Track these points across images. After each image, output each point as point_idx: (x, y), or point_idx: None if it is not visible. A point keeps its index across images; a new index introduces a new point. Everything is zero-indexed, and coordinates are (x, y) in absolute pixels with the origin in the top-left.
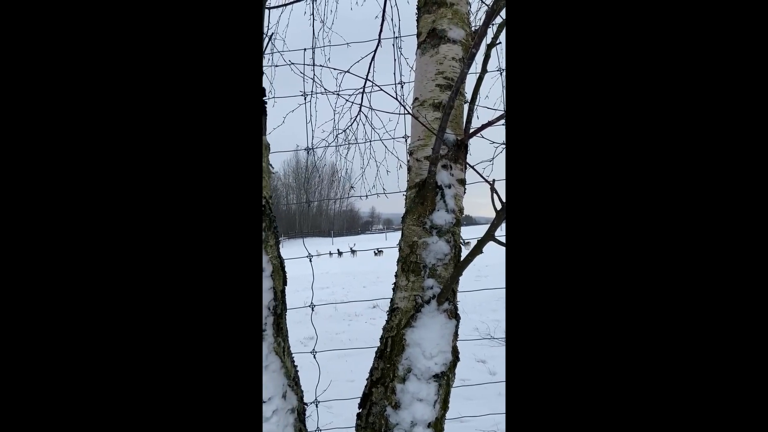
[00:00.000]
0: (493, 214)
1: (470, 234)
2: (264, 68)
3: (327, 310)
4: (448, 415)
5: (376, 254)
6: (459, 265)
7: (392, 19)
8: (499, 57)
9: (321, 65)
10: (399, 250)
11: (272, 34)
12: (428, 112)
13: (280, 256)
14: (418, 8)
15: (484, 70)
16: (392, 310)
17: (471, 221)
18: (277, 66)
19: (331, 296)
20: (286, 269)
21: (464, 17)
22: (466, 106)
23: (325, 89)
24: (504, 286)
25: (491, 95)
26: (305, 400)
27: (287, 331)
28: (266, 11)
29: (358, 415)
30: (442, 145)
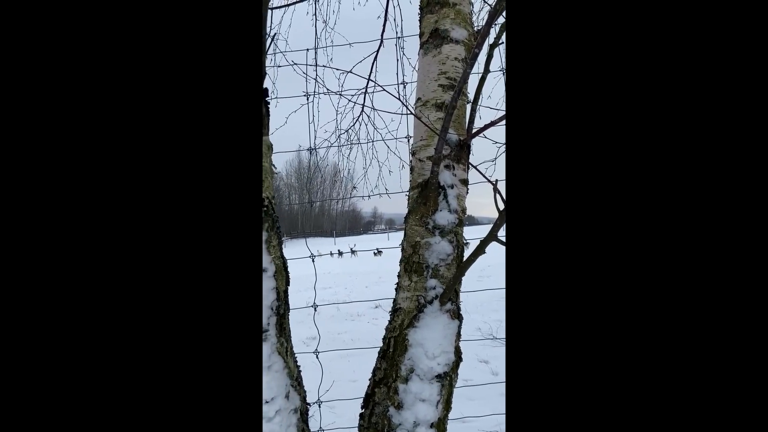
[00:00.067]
0: (495, 214)
1: (473, 234)
2: (267, 69)
3: (329, 310)
4: (450, 416)
5: (375, 254)
6: (462, 266)
7: (395, 19)
8: (501, 57)
9: (323, 65)
10: (402, 251)
11: (275, 34)
12: (431, 112)
13: (282, 257)
14: (421, 8)
15: (486, 70)
16: (395, 311)
17: (473, 221)
18: (279, 66)
19: (333, 296)
20: (288, 269)
21: (467, 17)
22: (468, 106)
23: (327, 89)
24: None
25: (494, 95)
26: (308, 400)
27: (290, 331)
28: (269, 11)
29: (361, 416)
30: (444, 145)
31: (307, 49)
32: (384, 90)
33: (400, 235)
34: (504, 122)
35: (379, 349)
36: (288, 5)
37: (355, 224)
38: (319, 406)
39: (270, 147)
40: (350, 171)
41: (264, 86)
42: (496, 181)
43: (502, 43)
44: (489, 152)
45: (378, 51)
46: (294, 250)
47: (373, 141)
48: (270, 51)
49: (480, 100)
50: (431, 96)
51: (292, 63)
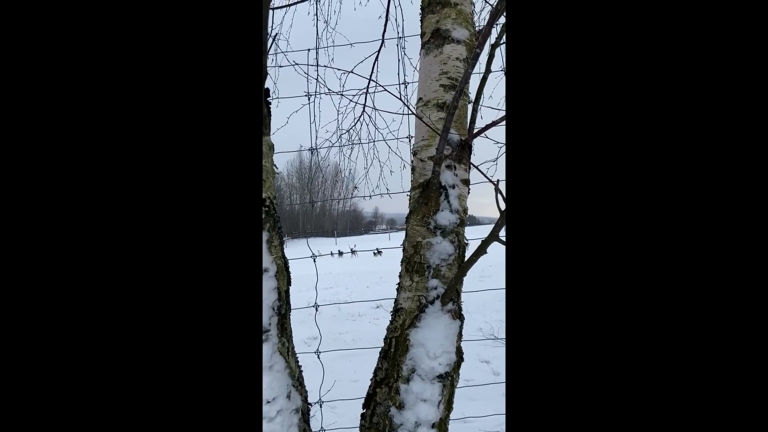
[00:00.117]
0: (496, 215)
1: (474, 234)
2: (268, 69)
3: (330, 310)
4: (451, 416)
5: (375, 254)
6: (463, 266)
7: (396, 20)
8: (503, 57)
9: (325, 65)
10: (403, 251)
11: (276, 34)
12: (432, 113)
13: (284, 257)
14: (422, 8)
15: (488, 70)
16: (396, 311)
17: (474, 221)
18: (281, 66)
19: (334, 296)
20: (290, 269)
21: (468, 17)
22: (470, 107)
23: (329, 89)
24: None
25: (495, 95)
26: (309, 400)
27: (291, 331)
28: (270, 11)
29: (363, 416)
30: (446, 145)
31: (309, 49)
32: (385, 90)
33: (402, 235)
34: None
35: (380, 349)
36: (289, 5)
37: (357, 224)
38: (321, 406)
39: (271, 147)
40: (351, 171)
41: (266, 86)
42: (498, 181)
43: (504, 43)
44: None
45: (379, 51)
46: (295, 250)
47: (374, 141)
48: (271, 51)
49: (481, 100)
50: (433, 96)
51: (293, 63)
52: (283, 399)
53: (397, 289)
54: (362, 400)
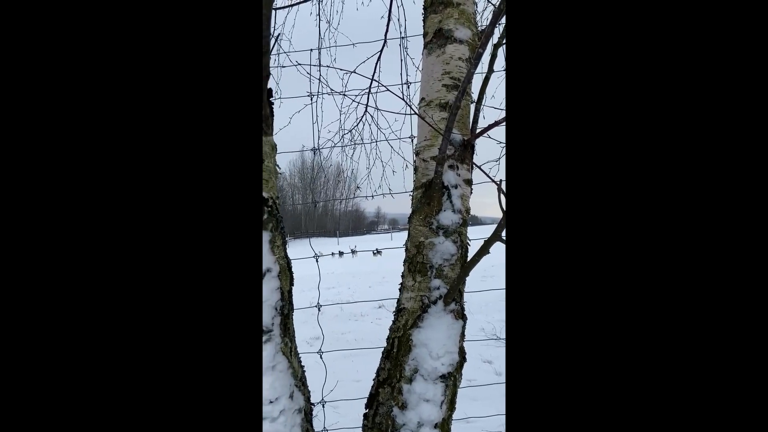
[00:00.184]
0: (499, 214)
1: (477, 234)
2: (271, 69)
3: (333, 310)
4: (454, 416)
5: (374, 254)
6: (466, 266)
7: (398, 20)
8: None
9: (327, 66)
10: (405, 251)
11: (279, 34)
12: (435, 112)
13: (287, 257)
14: (425, 8)
15: (490, 70)
16: (399, 311)
17: (477, 221)
18: (283, 67)
19: (336, 296)
20: (292, 269)
21: (471, 17)
22: (472, 106)
23: (331, 89)
24: None
25: (497, 95)
26: (312, 400)
27: (294, 331)
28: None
29: (365, 416)
30: (448, 145)
31: (311, 50)
32: (388, 90)
33: (404, 235)
34: None
35: (382, 349)
36: (292, 5)
37: (359, 224)
38: (323, 407)
39: (274, 147)
40: (354, 171)
41: (268, 86)
42: (500, 181)
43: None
44: (493, 152)
45: (381, 51)
46: (297, 250)
47: (376, 141)
48: (274, 51)
49: (484, 100)
50: (435, 96)
51: (296, 63)
52: (286, 399)
53: (400, 289)
54: (365, 400)
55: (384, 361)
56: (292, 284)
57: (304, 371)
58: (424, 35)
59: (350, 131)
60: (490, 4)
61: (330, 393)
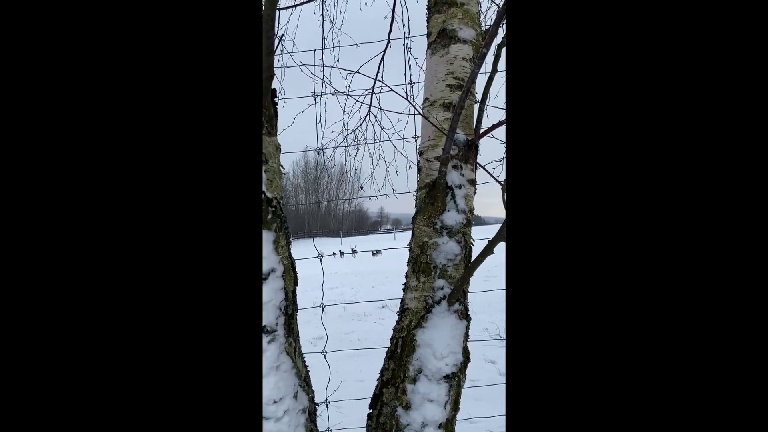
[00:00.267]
0: (503, 215)
1: (480, 234)
2: (274, 69)
3: (336, 310)
4: (457, 416)
5: (374, 255)
6: (470, 266)
7: (402, 20)
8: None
9: (331, 66)
10: (409, 251)
11: (282, 35)
12: (438, 113)
13: (291, 257)
14: (428, 8)
15: (494, 70)
16: (403, 311)
17: (481, 221)
18: (287, 67)
19: (340, 296)
20: (296, 269)
21: (474, 17)
22: (476, 106)
23: (334, 90)
24: None
25: (501, 95)
26: (315, 400)
27: (298, 331)
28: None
29: (369, 416)
30: (452, 145)
31: (315, 50)
32: (391, 90)
33: (407, 235)
34: None
35: (386, 349)
36: (295, 6)
37: (362, 224)
38: (327, 407)
39: (278, 147)
40: (357, 171)
41: (273, 87)
42: (504, 181)
43: None
44: (497, 152)
45: (385, 51)
46: (300, 249)
47: (380, 141)
48: (277, 52)
49: (488, 99)
50: (439, 96)
51: (299, 64)
52: (290, 399)
53: (404, 290)
54: (368, 400)
55: (388, 362)
56: (296, 284)
57: (308, 371)
58: (428, 35)
59: (354, 131)
60: (494, 4)
61: (334, 393)
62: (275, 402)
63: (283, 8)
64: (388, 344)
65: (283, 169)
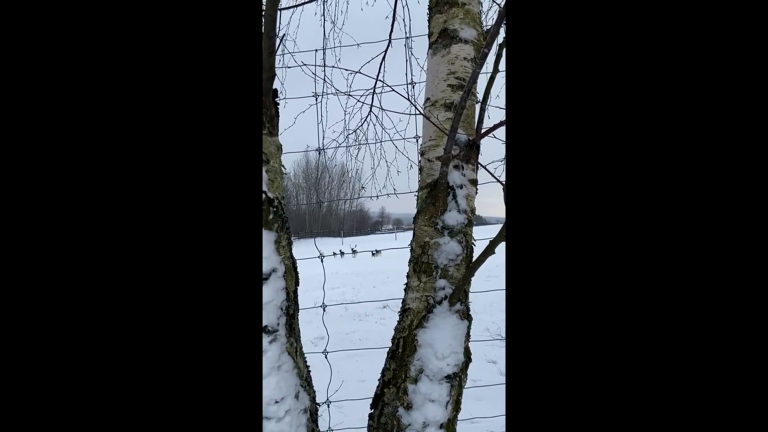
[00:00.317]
0: (504, 215)
1: (482, 234)
2: (276, 69)
3: (337, 310)
4: (459, 416)
5: (373, 255)
6: (471, 266)
7: (403, 20)
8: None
9: (332, 66)
10: (410, 251)
11: (284, 35)
12: (440, 113)
13: (292, 257)
14: (430, 8)
15: (495, 70)
16: (404, 311)
17: (482, 221)
18: (288, 67)
19: (341, 296)
20: (298, 269)
21: (476, 17)
22: (477, 106)
23: (336, 90)
24: None
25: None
26: (317, 400)
27: (299, 331)
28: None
29: (370, 416)
30: (453, 145)
31: (316, 50)
32: (393, 90)
33: (408, 235)
34: None
35: (387, 349)
36: (297, 6)
37: (363, 224)
38: (328, 407)
39: (279, 147)
40: (358, 171)
41: (274, 87)
42: (505, 180)
43: None
44: (498, 152)
45: (386, 51)
46: (301, 249)
47: (381, 141)
48: (279, 52)
49: (489, 99)
50: (440, 96)
51: (300, 64)
52: (291, 399)
53: (405, 290)
54: (369, 400)
55: (389, 362)
56: (297, 284)
57: (309, 371)
58: (429, 35)
59: (355, 131)
60: (495, 4)
61: (335, 393)
62: (277, 402)
63: (285, 8)
64: (390, 344)
65: (285, 169)
